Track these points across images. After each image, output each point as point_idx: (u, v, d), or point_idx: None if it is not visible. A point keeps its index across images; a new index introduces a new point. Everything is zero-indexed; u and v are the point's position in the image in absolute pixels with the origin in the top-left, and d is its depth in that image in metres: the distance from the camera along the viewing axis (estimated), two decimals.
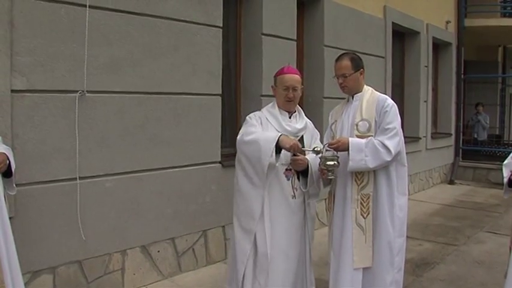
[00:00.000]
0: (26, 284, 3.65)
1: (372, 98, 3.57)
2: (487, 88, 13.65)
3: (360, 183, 3.49)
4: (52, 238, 3.86)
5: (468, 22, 11.47)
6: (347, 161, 3.39)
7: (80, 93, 3.95)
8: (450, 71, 11.09)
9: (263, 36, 5.56)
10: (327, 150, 3.39)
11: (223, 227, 5.21)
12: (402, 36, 9.43)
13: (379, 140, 3.39)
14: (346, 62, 3.57)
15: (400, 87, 9.48)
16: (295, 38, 6.03)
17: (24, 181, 3.66)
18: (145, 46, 4.41)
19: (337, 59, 3.63)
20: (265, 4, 5.55)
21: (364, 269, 3.49)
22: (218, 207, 5.13)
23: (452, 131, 11.19)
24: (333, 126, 3.74)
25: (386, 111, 3.45)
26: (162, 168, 4.59)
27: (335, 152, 3.40)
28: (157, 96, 4.52)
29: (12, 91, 3.59)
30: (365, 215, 3.48)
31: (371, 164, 3.37)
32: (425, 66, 9.74)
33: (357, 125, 3.52)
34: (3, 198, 2.91)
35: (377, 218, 3.48)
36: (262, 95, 5.55)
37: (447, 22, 10.77)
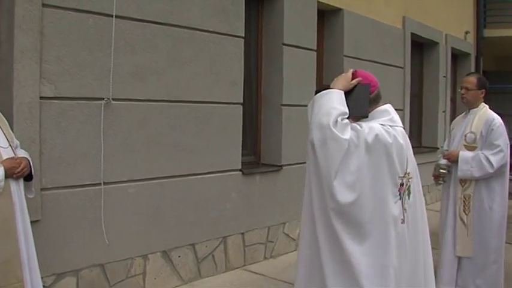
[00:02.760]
0: (49, 285, 3.77)
1: (484, 115, 4.26)
2: (506, 98, 13.55)
3: (464, 185, 4.25)
4: (76, 241, 3.95)
5: (487, 32, 11.46)
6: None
7: (105, 100, 4.04)
8: None
9: (284, 46, 5.63)
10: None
11: (243, 234, 5.28)
12: (421, 47, 9.45)
13: (484, 155, 4.11)
14: (473, 79, 4.35)
15: (418, 98, 9.47)
16: (315, 48, 6.09)
17: (50, 185, 3.76)
18: (169, 55, 4.50)
19: (467, 74, 4.52)
20: (286, 14, 5.62)
21: (465, 258, 4.25)
22: (238, 214, 5.20)
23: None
24: (451, 133, 4.54)
25: (493, 129, 4.15)
26: (184, 175, 4.67)
27: (448, 162, 4.28)
28: (180, 104, 4.60)
29: (41, 98, 3.69)
30: (467, 212, 4.22)
31: (476, 174, 4.13)
32: (444, 77, 9.73)
33: (465, 136, 4.25)
34: (25, 201, 3.01)
35: (477, 216, 4.19)
36: (283, 104, 5.62)
37: (466, 32, 10.77)
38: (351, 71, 2.58)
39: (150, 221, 4.43)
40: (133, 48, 4.25)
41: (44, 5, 3.67)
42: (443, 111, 9.73)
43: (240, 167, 5.19)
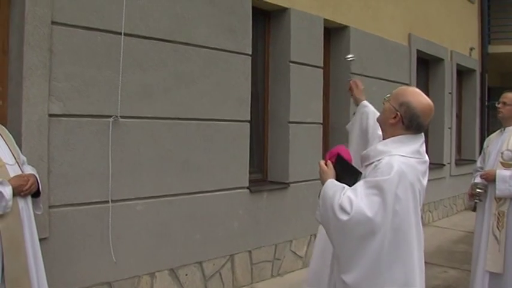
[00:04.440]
0: None
1: None
2: None
3: (499, 201, 4.23)
4: (84, 259, 3.93)
5: (492, 49, 11.49)
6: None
7: (113, 118, 4.05)
8: (474, 98, 11.07)
9: (291, 64, 5.65)
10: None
11: (250, 251, 5.26)
12: (426, 63, 9.47)
13: None
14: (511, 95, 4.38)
15: None
16: (322, 65, 6.11)
17: (58, 203, 3.75)
18: (177, 73, 4.52)
19: (506, 90, 4.51)
20: (293, 32, 5.66)
21: (496, 274, 4.19)
22: (245, 232, 5.18)
23: (477, 158, 11.07)
24: (486, 150, 4.55)
25: None
26: (191, 192, 4.66)
27: (484, 181, 4.28)
28: (187, 122, 4.61)
29: (50, 115, 3.70)
30: (500, 228, 4.19)
31: None
32: (450, 93, 9.74)
33: (502, 153, 4.27)
34: (33, 218, 3.02)
35: (510, 232, 4.16)
36: (290, 122, 5.63)
37: (471, 49, 10.79)
38: (321, 162, 2.54)
39: (158, 239, 4.42)
40: (142, 66, 4.26)
41: (53, 23, 3.69)
42: (449, 128, 9.72)
43: (247, 185, 5.19)
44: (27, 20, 3.57)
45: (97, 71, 3.97)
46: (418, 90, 2.47)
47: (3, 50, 3.70)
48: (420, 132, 2.43)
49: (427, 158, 2.45)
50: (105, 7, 4.00)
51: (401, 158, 2.30)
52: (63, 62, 3.77)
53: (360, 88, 3.71)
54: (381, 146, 2.42)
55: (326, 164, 2.53)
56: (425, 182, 2.41)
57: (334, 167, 2.50)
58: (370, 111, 3.53)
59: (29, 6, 3.57)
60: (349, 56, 4.13)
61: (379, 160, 2.34)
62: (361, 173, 2.44)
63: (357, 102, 3.70)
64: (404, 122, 2.37)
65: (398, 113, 2.37)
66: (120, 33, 4.07)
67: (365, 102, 3.63)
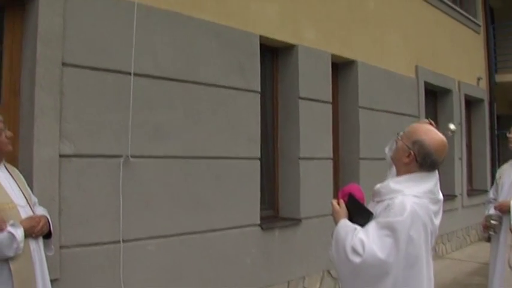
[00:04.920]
0: None
1: None
2: None
3: None
4: None
5: (499, 78, 11.51)
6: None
7: (124, 158, 4.06)
8: (483, 127, 11.04)
9: (299, 100, 5.67)
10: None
11: None
12: (434, 95, 9.48)
13: None
14: None
15: None
16: (330, 100, 6.14)
17: (69, 243, 3.74)
18: (187, 111, 4.54)
19: None
20: (301, 68, 5.70)
21: None
22: (258, 270, 5.12)
23: (488, 188, 11.00)
24: (499, 181, 4.60)
25: None
26: (203, 231, 4.63)
27: (498, 213, 4.28)
28: (198, 160, 4.61)
29: (61, 156, 3.71)
30: None
31: None
32: (459, 124, 9.71)
33: None
34: (44, 259, 3.02)
35: None
36: (300, 158, 5.62)
37: (478, 79, 10.81)
38: (333, 201, 2.53)
39: (170, 278, 4.38)
40: (152, 105, 4.29)
41: (63, 64, 3.74)
42: (460, 158, 9.67)
43: (258, 222, 5.16)
44: (39, 62, 3.62)
45: (107, 111, 4.00)
46: (430, 127, 2.45)
47: (15, 92, 3.76)
48: (434, 170, 2.41)
49: (441, 196, 2.43)
50: (114, 48, 4.05)
51: (414, 199, 2.28)
52: (74, 102, 3.80)
53: None
54: (394, 184, 2.40)
55: (338, 203, 2.51)
56: (438, 221, 2.39)
57: (347, 206, 2.49)
58: None
59: (40, 48, 3.62)
60: (451, 128, 3.99)
61: (391, 199, 2.32)
62: (372, 214, 2.42)
63: None
64: (417, 160, 2.36)
65: (411, 151, 2.36)
66: (130, 74, 4.11)
67: None
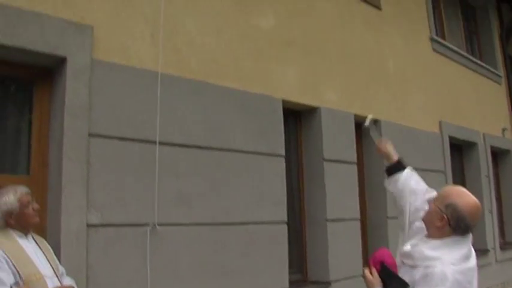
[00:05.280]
0: None
1: None
2: None
3: None
4: None
5: None
6: None
7: (151, 226, 4.06)
8: None
9: (324, 162, 5.67)
10: None
11: None
12: (460, 149, 9.39)
13: None
14: None
15: None
16: (355, 161, 6.12)
17: None
18: (212, 178, 4.55)
19: None
20: (324, 130, 5.72)
21: None
22: None
23: None
24: None
25: None
26: None
27: None
28: (225, 226, 4.59)
29: (88, 225, 3.73)
30: None
31: None
32: (486, 176, 9.56)
33: None
34: None
35: None
36: (327, 220, 5.57)
37: (504, 129, 10.70)
38: (366, 271, 2.51)
39: None
40: (177, 173, 4.31)
41: (90, 135, 3.81)
42: (490, 211, 9.47)
43: (287, 286, 5.06)
44: (66, 133, 3.70)
45: (133, 180, 4.03)
46: (463, 189, 2.43)
47: (43, 163, 3.84)
48: (468, 234, 2.38)
49: (475, 260, 2.38)
50: (139, 117, 4.12)
51: (454, 267, 2.25)
52: (100, 172, 3.85)
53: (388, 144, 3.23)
54: (429, 251, 2.35)
55: (370, 272, 2.47)
56: (476, 283, 2.34)
57: (379, 275, 2.45)
58: (407, 189, 2.95)
59: (67, 119, 3.71)
60: (366, 124, 3.70)
61: (427, 267, 2.28)
62: (408, 285, 2.36)
63: (390, 159, 3.14)
64: (451, 224, 2.33)
65: (444, 215, 2.34)
66: (155, 142, 4.15)
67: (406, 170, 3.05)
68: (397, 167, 3.03)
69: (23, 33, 3.57)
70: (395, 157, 3.10)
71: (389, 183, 3.07)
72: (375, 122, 3.52)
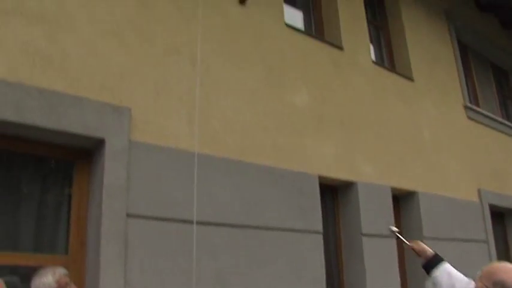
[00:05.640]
0: None
1: None
2: None
3: None
4: None
5: None
6: None
7: None
8: None
9: (363, 237, 5.59)
10: None
11: None
12: (501, 216, 9.12)
13: None
14: None
15: None
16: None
17: None
18: (249, 256, 4.51)
19: None
20: (361, 205, 5.67)
21: None
22: None
23: None
24: None
25: None
26: None
27: None
28: None
29: None
30: None
31: None
32: None
33: None
34: None
35: None
36: None
37: None
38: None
39: None
40: (215, 252, 4.29)
41: (128, 215, 3.84)
42: None
43: None
44: (104, 213, 3.74)
45: (171, 259, 4.01)
46: (509, 265, 2.41)
47: (82, 243, 3.86)
48: None
49: None
50: (176, 197, 4.15)
51: None
52: (138, 253, 3.85)
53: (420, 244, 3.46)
54: None
55: None
56: None
57: None
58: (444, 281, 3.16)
59: (106, 200, 3.76)
60: (394, 228, 4.04)
61: None
62: None
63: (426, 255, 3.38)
64: None
65: None
66: (193, 222, 4.16)
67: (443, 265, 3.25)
68: (434, 261, 3.24)
69: (64, 116, 3.69)
70: (431, 251, 3.32)
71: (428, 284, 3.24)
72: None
